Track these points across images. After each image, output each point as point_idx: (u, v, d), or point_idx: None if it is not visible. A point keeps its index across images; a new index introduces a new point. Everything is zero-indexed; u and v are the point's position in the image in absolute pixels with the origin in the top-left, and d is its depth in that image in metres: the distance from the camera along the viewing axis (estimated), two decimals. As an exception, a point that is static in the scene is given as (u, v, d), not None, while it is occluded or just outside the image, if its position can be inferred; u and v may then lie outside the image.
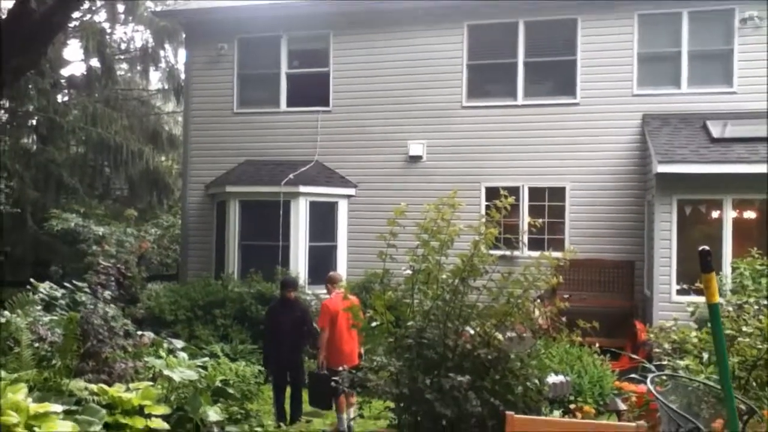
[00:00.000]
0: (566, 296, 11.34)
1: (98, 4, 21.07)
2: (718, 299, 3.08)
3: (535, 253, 5.84)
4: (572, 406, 6.76)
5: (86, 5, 20.85)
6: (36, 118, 18.14)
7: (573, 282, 11.65)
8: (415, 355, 5.29)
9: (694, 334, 4.83)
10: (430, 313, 5.27)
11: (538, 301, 8.19)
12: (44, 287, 8.07)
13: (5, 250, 11.89)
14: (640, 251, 11.38)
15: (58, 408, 4.09)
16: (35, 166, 16.98)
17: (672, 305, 9.71)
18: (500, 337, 5.44)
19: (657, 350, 6.36)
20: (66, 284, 8.29)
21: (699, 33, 11.49)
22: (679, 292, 9.87)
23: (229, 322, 10.91)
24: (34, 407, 4.03)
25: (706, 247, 3.19)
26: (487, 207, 5.85)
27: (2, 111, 17.50)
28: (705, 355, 5.09)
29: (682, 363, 4.65)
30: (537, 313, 8.02)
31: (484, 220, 5.77)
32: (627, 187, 11.68)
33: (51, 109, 17.47)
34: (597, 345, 7.72)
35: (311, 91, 13.20)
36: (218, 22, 13.64)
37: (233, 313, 11.00)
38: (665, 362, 5.11)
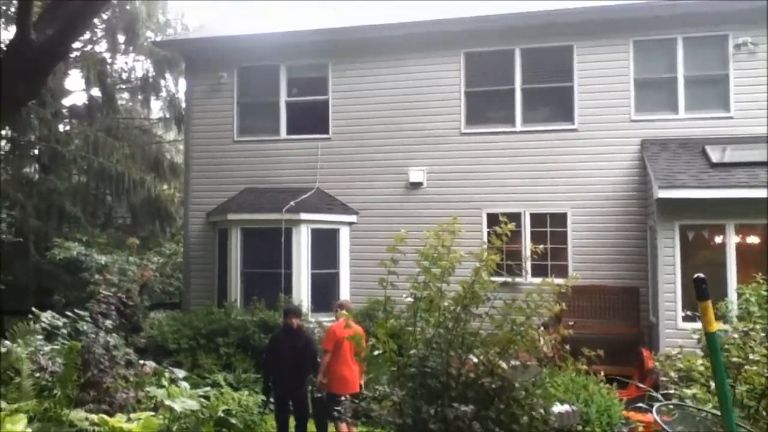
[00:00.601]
0: (571, 323, 11.32)
1: (99, 34, 21.33)
2: (715, 328, 3.05)
3: (538, 280, 5.82)
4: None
5: (87, 36, 21.11)
6: (38, 147, 18.23)
7: (577, 309, 11.61)
8: (418, 385, 5.25)
9: (700, 362, 4.78)
10: (432, 341, 5.24)
11: (542, 328, 8.15)
12: (46, 316, 8.07)
13: (6, 279, 11.84)
14: (644, 277, 11.36)
15: (58, 440, 4.05)
16: (37, 195, 17.04)
17: (678, 332, 9.65)
18: (504, 365, 5.41)
19: (663, 378, 6.31)
20: (68, 313, 8.27)
21: (694, 58, 11.60)
22: (685, 319, 9.82)
23: (232, 350, 10.84)
24: (34, 440, 4.00)
25: (701, 275, 3.17)
26: (489, 234, 5.85)
27: (4, 141, 17.58)
28: (713, 384, 5.04)
29: (689, 392, 4.60)
30: (542, 341, 7.99)
31: (485, 246, 5.76)
32: (628, 212, 11.70)
33: (53, 139, 17.59)
34: (602, 373, 7.66)
35: (311, 118, 13.29)
36: (218, 51, 13.79)
37: (236, 341, 10.93)
38: (672, 391, 5.06)
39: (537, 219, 12.06)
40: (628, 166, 11.77)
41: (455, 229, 5.77)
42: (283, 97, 13.47)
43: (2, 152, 17.83)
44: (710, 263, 9.77)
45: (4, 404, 4.75)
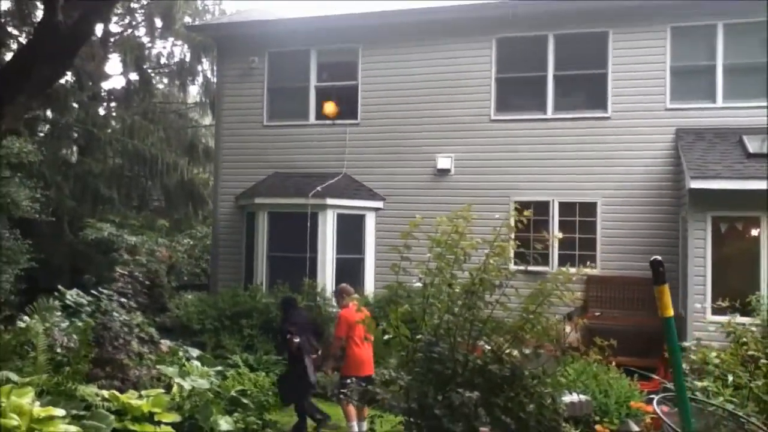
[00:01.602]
0: (597, 314, 11.16)
1: (138, 19, 21.64)
2: (671, 313, 2.96)
3: (573, 269, 5.69)
4: (597, 427, 6.57)
5: (126, 20, 21.45)
6: (76, 130, 18.62)
7: (604, 299, 11.43)
8: (425, 370, 5.21)
9: (714, 354, 4.63)
10: (440, 326, 5.18)
11: (563, 317, 8.00)
12: (71, 294, 8.23)
13: (39, 258, 12.16)
14: (675, 269, 11.06)
15: (62, 412, 4.12)
16: (74, 176, 17.43)
17: (707, 324, 9.39)
18: (514, 353, 5.32)
19: (685, 368, 6.15)
20: (93, 292, 8.43)
21: (734, 46, 11.20)
22: (715, 311, 9.54)
23: (255, 332, 10.95)
24: (38, 411, 4.08)
25: (658, 257, 3.08)
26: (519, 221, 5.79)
27: (43, 122, 18.00)
28: (730, 377, 4.89)
29: (699, 384, 4.45)
30: (568, 329, 7.84)
31: (499, 233, 5.66)
32: (660, 203, 11.41)
33: (90, 122, 17.92)
34: (614, 364, 7.49)
35: (340, 104, 13.26)
36: (249, 36, 13.83)
37: (259, 323, 11.04)
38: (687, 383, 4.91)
39: (566, 208, 11.85)
40: (661, 155, 11.47)
41: (468, 216, 5.69)
42: (313, 82, 13.46)
43: (41, 134, 18.25)
44: (743, 256, 9.48)
45: (16, 377, 4.87)
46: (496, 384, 5.09)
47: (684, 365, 4.91)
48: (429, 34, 12.71)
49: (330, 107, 13.05)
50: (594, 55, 11.97)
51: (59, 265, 14.78)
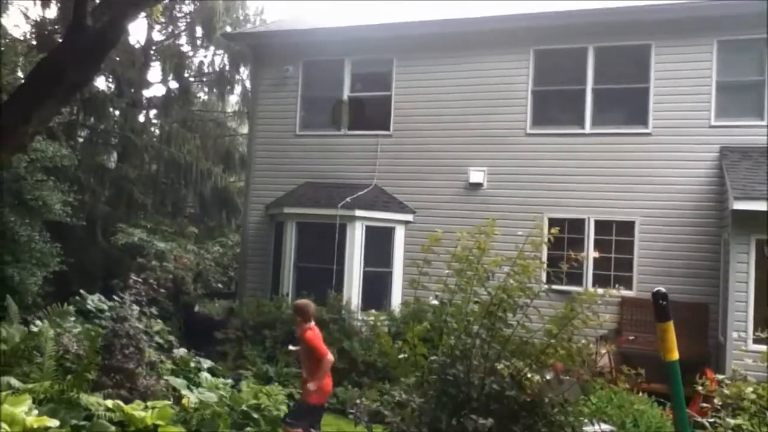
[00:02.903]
0: (631, 338, 10.69)
1: (180, 28, 21.92)
2: (676, 356, 2.50)
3: (600, 290, 5.38)
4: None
5: (169, 29, 21.74)
6: (114, 136, 18.88)
7: (640, 323, 10.96)
8: (439, 392, 4.94)
9: (750, 389, 4.25)
10: (456, 348, 4.92)
11: (596, 340, 7.61)
12: (92, 299, 8.18)
13: (69, 262, 12.25)
14: (715, 293, 10.56)
15: (55, 423, 3.97)
16: (110, 181, 17.64)
17: (747, 353, 8.87)
18: (536, 377, 5.02)
19: (718, 404, 5.75)
20: (114, 297, 8.37)
21: (785, 61, 10.68)
22: (756, 341, 9.02)
23: (278, 344, 10.79)
24: (32, 420, 3.94)
25: (661, 289, 2.62)
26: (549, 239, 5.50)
27: (81, 127, 18.28)
28: (768, 414, 4.49)
29: (732, 422, 4.09)
30: (603, 351, 7.45)
31: (523, 251, 5.37)
32: (702, 223, 10.91)
33: (128, 128, 18.15)
34: (642, 392, 7.08)
35: (372, 114, 13.10)
36: (284, 45, 13.81)
37: (282, 335, 10.88)
38: (718, 419, 4.55)
39: (602, 226, 11.44)
40: (704, 174, 10.98)
41: (491, 231, 5.43)
42: (346, 92, 13.34)
43: (80, 139, 18.54)
44: (789, 282, 8.95)
45: (17, 383, 4.77)
46: (514, 411, 4.80)
47: (717, 400, 4.55)
48: (464, 45, 12.48)
49: None
50: (635, 69, 11.58)
51: (91, 269, 14.90)
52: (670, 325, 2.59)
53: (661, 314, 2.61)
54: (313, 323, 6.85)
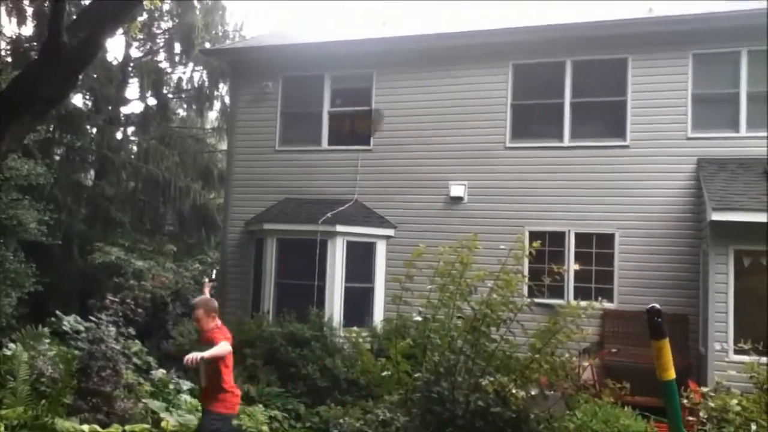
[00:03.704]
0: (614, 350, 10.68)
1: (159, 44, 21.80)
2: (672, 375, 2.41)
3: (584, 303, 5.36)
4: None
5: (147, 46, 21.61)
6: (90, 153, 18.65)
7: (622, 335, 10.98)
8: (423, 410, 4.89)
9: (735, 401, 4.24)
10: (440, 364, 4.86)
11: (579, 353, 7.60)
12: (68, 320, 8.01)
13: (44, 282, 12.02)
14: (695, 304, 10.61)
15: (26, 451, 3.84)
16: (86, 199, 17.40)
17: (729, 365, 8.92)
18: (521, 394, 4.98)
19: (703, 416, 5.73)
20: (91, 318, 8.20)
21: (759, 73, 10.81)
22: (737, 352, 9.05)
23: (259, 362, 10.64)
24: (2, 449, 3.80)
25: (656, 305, 2.52)
26: (530, 252, 5.44)
27: (57, 145, 18.06)
28: (753, 426, 4.49)
29: (718, 435, 4.07)
30: (586, 364, 7.42)
31: (505, 265, 5.35)
32: (680, 235, 10.98)
33: (106, 145, 17.94)
34: (626, 405, 7.06)
35: (353, 129, 13.08)
36: (263, 60, 13.76)
37: (263, 353, 10.74)
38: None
39: (582, 239, 11.46)
40: (682, 186, 11.07)
41: (473, 245, 5.41)
42: (326, 108, 13.31)
43: (57, 156, 18.29)
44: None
45: (-11, 408, 4.62)
46: (499, 428, 4.75)
47: (702, 413, 4.53)
48: (444, 60, 12.52)
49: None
50: (613, 82, 11.68)
51: (67, 289, 14.65)
52: (666, 343, 2.50)
53: (656, 331, 2.51)
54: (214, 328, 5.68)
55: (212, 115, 24.55)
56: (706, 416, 4.46)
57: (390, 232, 12.44)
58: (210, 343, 5.57)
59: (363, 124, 12.97)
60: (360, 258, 12.16)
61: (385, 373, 5.25)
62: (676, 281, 10.86)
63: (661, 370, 2.49)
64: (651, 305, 2.60)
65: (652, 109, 11.36)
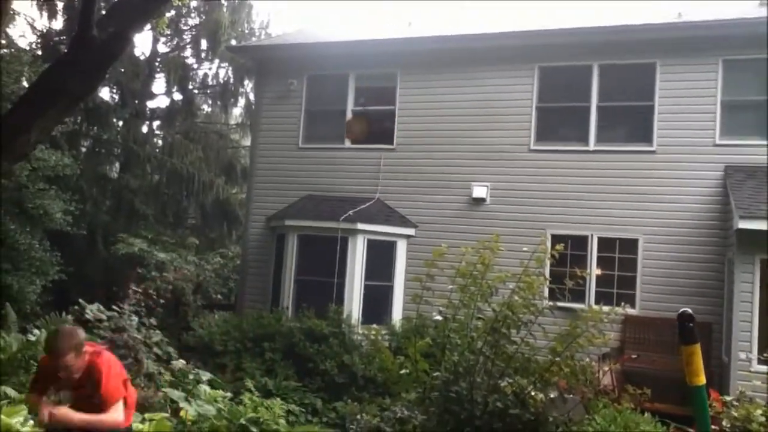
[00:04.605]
0: (634, 356, 10.57)
1: (186, 40, 22.00)
2: (703, 381, 2.36)
3: (606, 308, 5.32)
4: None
5: (174, 42, 21.81)
6: (116, 146, 18.89)
7: (642, 342, 10.88)
8: (441, 410, 4.87)
9: (759, 411, 4.17)
10: (459, 364, 4.85)
11: (598, 358, 7.52)
12: (91, 309, 8.10)
13: (69, 271, 12.19)
14: (719, 313, 10.47)
15: (50, 435, 3.89)
16: (111, 191, 17.62)
17: (752, 375, 8.79)
18: (540, 396, 4.95)
19: (726, 425, 5.66)
20: (113, 307, 8.30)
21: (790, 80, 10.65)
22: (762, 361, 8.93)
23: (278, 356, 10.70)
24: (27, 431, 3.87)
25: (688, 310, 2.46)
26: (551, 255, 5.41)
27: (84, 137, 18.30)
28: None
29: (741, 446, 4.01)
30: (602, 372, 7.35)
31: (527, 267, 5.31)
32: (706, 242, 10.85)
33: (131, 138, 18.16)
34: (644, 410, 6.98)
35: (376, 128, 13.10)
36: (289, 58, 13.83)
37: (282, 348, 10.80)
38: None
39: (605, 244, 11.37)
40: (708, 193, 10.93)
41: (495, 247, 5.39)
42: (350, 106, 13.34)
43: (83, 148, 18.55)
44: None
45: (14, 393, 4.70)
46: (517, 429, 4.72)
47: (725, 422, 4.47)
48: (469, 61, 12.48)
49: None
50: (640, 87, 11.56)
51: (90, 279, 14.84)
52: (697, 348, 2.45)
53: (687, 336, 2.47)
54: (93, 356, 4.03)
55: (236, 112, 24.78)
56: (728, 425, 4.39)
57: (411, 231, 12.44)
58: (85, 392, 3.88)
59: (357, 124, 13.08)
60: (380, 256, 12.17)
61: (403, 371, 5.24)
62: (700, 289, 10.72)
63: (691, 375, 2.45)
64: (682, 310, 2.55)
65: (680, 114, 11.23)
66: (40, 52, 16.99)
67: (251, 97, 22.34)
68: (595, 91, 11.75)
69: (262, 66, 14.43)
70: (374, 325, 11.30)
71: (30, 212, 11.32)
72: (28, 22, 20.96)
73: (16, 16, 15.94)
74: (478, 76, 12.43)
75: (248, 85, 22.09)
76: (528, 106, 12.11)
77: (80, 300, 8.20)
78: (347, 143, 13.30)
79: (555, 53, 11.98)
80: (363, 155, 13.08)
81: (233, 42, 21.13)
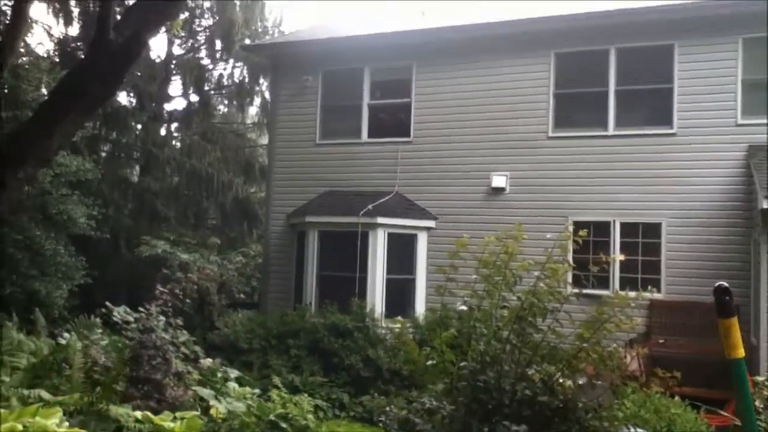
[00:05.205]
0: (661, 341, 10.50)
1: (200, 41, 22.12)
2: (741, 354, 2.36)
3: (632, 293, 5.28)
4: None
5: (189, 43, 21.93)
6: (136, 149, 19.08)
7: (670, 326, 10.79)
8: (470, 399, 4.86)
9: (792, 391, 4.13)
10: (486, 353, 4.84)
11: (625, 344, 7.47)
12: (118, 311, 8.20)
13: (93, 274, 12.36)
14: (746, 294, 10.34)
15: (86, 435, 3.96)
16: (132, 195, 17.81)
17: (782, 355, 8.70)
18: (568, 383, 4.93)
19: (759, 405, 5.60)
20: (140, 309, 8.38)
21: (813, 56, 10.46)
22: (790, 342, 8.84)
23: (303, 353, 10.77)
24: (63, 433, 3.93)
25: (724, 284, 2.45)
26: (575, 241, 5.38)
27: (104, 142, 18.49)
28: (811, 416, 4.36)
29: (774, 425, 3.97)
30: (629, 358, 7.31)
31: (551, 254, 5.28)
32: (730, 224, 10.71)
33: (150, 141, 18.32)
34: (677, 396, 6.93)
35: (393, 122, 13.09)
36: (303, 55, 13.85)
37: (306, 344, 10.85)
38: (760, 422, 4.42)
39: (628, 229, 11.28)
40: (731, 174, 10.79)
41: (519, 235, 5.36)
42: (366, 100, 13.33)
43: (103, 153, 18.76)
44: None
45: (48, 396, 4.78)
46: (547, 417, 4.70)
47: (758, 402, 4.42)
48: (484, 49, 12.42)
49: None
50: (658, 69, 11.43)
51: (116, 282, 15.02)
52: (735, 322, 2.45)
53: (724, 310, 2.47)
54: None
55: (253, 111, 24.86)
56: (762, 405, 4.35)
57: (431, 223, 12.42)
58: None
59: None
60: (401, 249, 12.18)
61: (429, 363, 5.23)
62: (726, 271, 10.58)
63: (729, 348, 2.45)
64: (718, 283, 2.53)
65: (700, 95, 11.09)
66: (57, 59, 17.18)
67: (267, 95, 22.41)
68: (612, 76, 11.63)
69: (277, 63, 14.47)
70: (399, 318, 11.31)
71: (54, 218, 11.48)
72: (44, 29, 21.24)
73: (33, 24, 16.13)
74: (494, 64, 12.36)
75: (263, 83, 22.15)
76: (545, 93, 12.02)
77: (107, 303, 8.29)
78: (364, 137, 13.30)
79: (571, 39, 11.87)
80: (380, 149, 13.08)
81: (247, 41, 21.20)
